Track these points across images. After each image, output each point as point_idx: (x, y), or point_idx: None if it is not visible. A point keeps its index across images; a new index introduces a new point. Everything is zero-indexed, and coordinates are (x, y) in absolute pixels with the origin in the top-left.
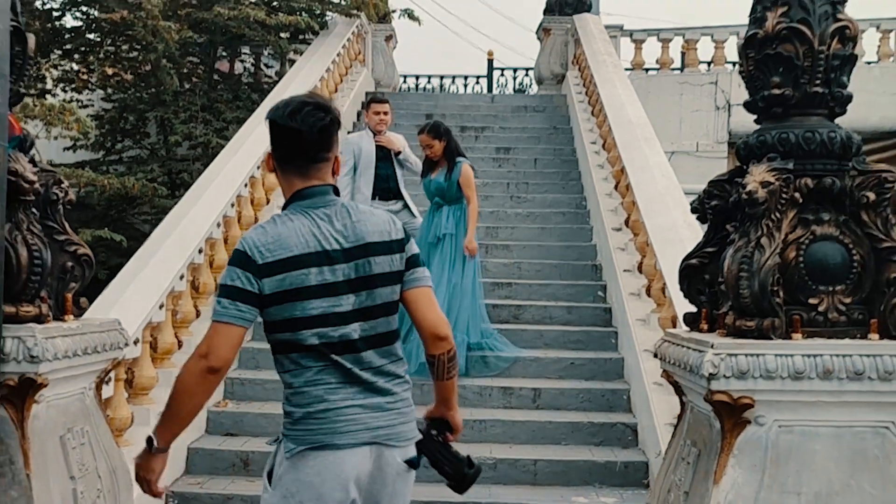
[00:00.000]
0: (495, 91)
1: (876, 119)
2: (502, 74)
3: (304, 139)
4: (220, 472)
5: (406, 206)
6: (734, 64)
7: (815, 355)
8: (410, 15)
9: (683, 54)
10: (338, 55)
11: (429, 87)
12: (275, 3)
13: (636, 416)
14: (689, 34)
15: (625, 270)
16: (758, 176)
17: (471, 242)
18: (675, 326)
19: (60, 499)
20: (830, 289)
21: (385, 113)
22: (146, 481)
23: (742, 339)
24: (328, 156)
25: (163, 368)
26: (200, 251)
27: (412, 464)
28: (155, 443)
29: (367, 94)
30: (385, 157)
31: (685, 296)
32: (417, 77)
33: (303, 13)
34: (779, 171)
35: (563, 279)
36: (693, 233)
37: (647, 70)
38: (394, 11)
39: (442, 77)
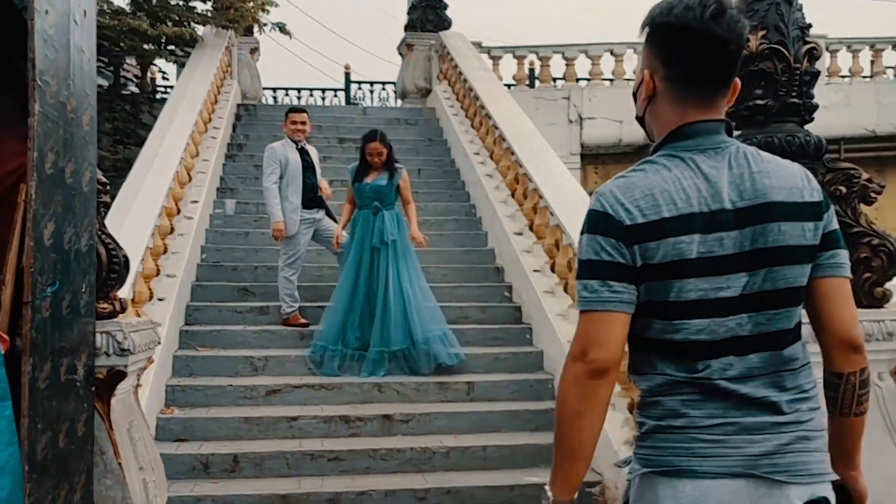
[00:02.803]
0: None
1: None
2: (359, 88)
3: (727, 54)
4: (181, 475)
5: (329, 213)
6: (579, 80)
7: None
8: (282, 29)
9: (531, 71)
10: (217, 67)
11: (287, 99)
12: (140, 13)
13: None
14: (543, 52)
15: (534, 271)
16: None
17: (419, 233)
18: None
19: (138, 487)
20: None
21: (303, 122)
22: None
23: None
24: (733, 81)
25: None
26: (142, 260)
27: None
28: (549, 496)
29: (238, 105)
30: (308, 166)
31: None
32: (275, 90)
33: (169, 23)
34: None
35: (469, 282)
36: None
37: (504, 86)
38: (265, 24)
39: (300, 89)
